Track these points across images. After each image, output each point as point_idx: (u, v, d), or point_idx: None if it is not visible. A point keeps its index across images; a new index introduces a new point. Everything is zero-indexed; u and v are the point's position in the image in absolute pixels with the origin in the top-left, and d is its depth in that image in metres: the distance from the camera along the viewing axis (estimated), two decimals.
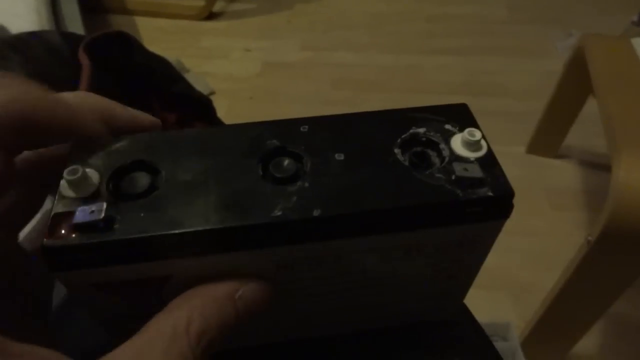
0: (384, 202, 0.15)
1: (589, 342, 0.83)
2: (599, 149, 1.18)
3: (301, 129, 0.17)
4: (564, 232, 1.01)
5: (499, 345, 0.70)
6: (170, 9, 1.64)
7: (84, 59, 0.63)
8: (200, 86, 1.37)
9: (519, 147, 1.19)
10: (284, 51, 1.52)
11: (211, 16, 1.63)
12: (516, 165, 1.16)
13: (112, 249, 0.14)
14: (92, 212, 0.14)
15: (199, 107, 0.84)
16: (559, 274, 0.69)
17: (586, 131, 1.10)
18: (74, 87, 0.64)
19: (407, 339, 0.24)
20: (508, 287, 0.93)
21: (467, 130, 0.17)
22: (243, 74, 1.44)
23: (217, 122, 0.82)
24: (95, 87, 0.62)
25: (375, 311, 0.21)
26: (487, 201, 0.16)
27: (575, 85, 0.96)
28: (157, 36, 1.57)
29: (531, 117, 1.15)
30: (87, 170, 0.15)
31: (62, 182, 0.15)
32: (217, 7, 1.65)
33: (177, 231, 0.14)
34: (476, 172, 0.16)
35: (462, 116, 0.18)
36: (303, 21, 1.65)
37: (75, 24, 0.93)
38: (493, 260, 0.96)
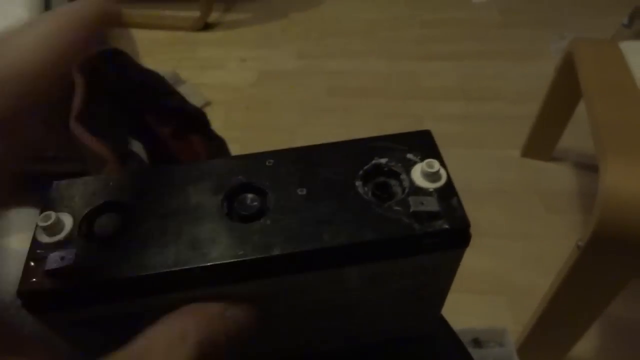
0: (342, 238, 0.16)
1: (586, 346, 0.83)
2: (593, 150, 1.18)
3: (267, 163, 0.18)
4: (560, 234, 1.01)
5: (495, 351, 0.71)
6: (166, 20, 1.66)
7: (78, 78, 0.64)
8: (196, 97, 1.38)
9: (513, 151, 1.20)
10: (279, 60, 1.53)
11: (207, 27, 1.65)
12: (511, 169, 1.16)
13: (83, 292, 0.15)
14: (63, 258, 0.15)
15: (193, 119, 0.85)
16: (554, 278, 0.69)
17: (580, 133, 1.10)
18: (68, 105, 0.65)
19: (385, 354, 0.25)
20: (504, 291, 0.93)
21: (426, 161, 0.17)
22: (239, 84, 1.45)
23: (212, 134, 0.83)
24: (90, 104, 0.64)
25: (354, 330, 0.22)
26: (444, 233, 0.16)
27: (567, 89, 0.97)
28: (154, 48, 1.58)
29: (526, 120, 1.15)
30: (60, 214, 0.16)
31: (37, 228, 0.16)
32: (212, 18, 1.66)
33: (143, 273, 0.15)
34: (432, 205, 0.16)
35: (424, 144, 0.18)
36: (298, 30, 1.66)
37: None
38: (489, 264, 0.96)
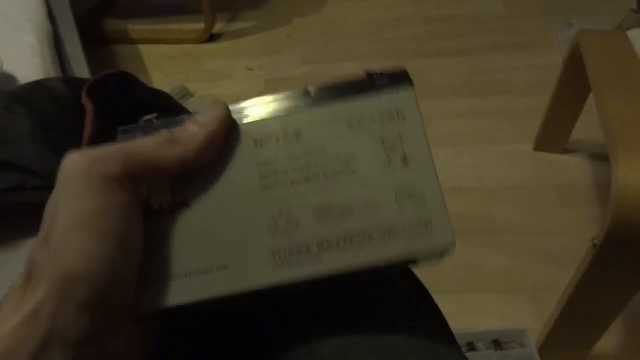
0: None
1: (609, 342, 0.82)
2: None
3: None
4: (578, 228, 1.00)
5: (515, 352, 0.70)
6: (171, 34, 1.67)
7: (87, 103, 0.65)
8: None
9: (526, 145, 1.19)
10: (285, 66, 1.54)
11: (212, 38, 1.66)
12: (524, 164, 1.15)
13: None
14: None
15: None
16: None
17: (593, 123, 1.07)
18: (80, 131, 0.66)
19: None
20: (524, 289, 0.92)
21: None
22: (246, 93, 1.46)
23: None
24: (100, 130, 0.65)
25: (353, 229, 0.22)
26: (385, 74, 0.24)
27: (576, 80, 0.95)
28: (161, 63, 1.60)
29: (537, 112, 1.14)
30: None
31: None
32: (216, 29, 1.67)
33: None
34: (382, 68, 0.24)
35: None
36: (302, 35, 1.66)
37: (79, 63, 0.96)
38: (507, 262, 0.96)
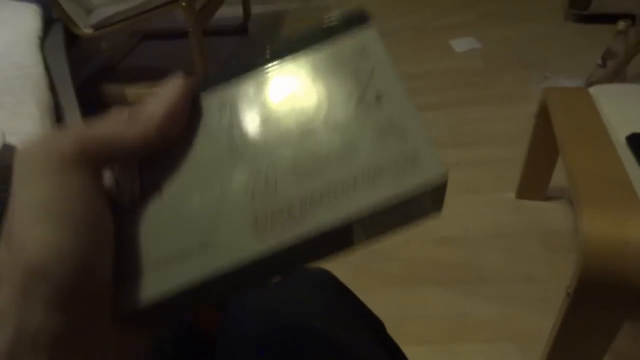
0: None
1: None
2: None
3: None
4: (561, 274, 1.02)
5: None
6: None
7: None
8: None
9: (508, 193, 1.23)
10: None
11: None
12: (507, 212, 1.19)
13: None
14: None
15: None
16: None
17: None
18: None
19: None
20: (514, 337, 0.94)
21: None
22: None
23: None
24: None
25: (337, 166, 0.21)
26: (342, 17, 0.23)
27: (548, 132, 1.01)
28: None
29: (518, 162, 1.19)
30: None
31: None
32: None
33: None
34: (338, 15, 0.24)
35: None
36: None
37: None
38: (494, 311, 0.98)
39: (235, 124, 0.22)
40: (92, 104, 1.67)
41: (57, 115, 1.07)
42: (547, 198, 1.20)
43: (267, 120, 0.22)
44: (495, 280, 1.04)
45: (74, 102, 1.12)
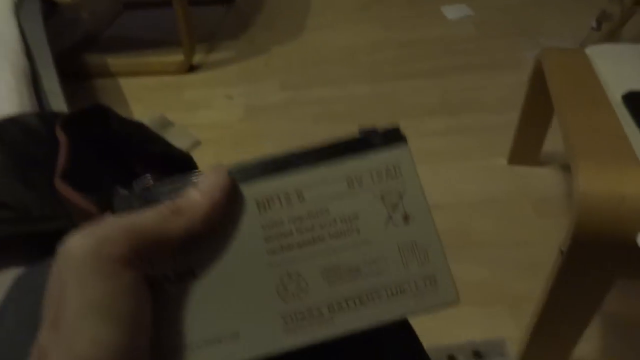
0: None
1: (588, 347, 0.83)
2: None
3: None
4: (553, 239, 1.02)
5: None
6: (151, 66, 1.70)
7: (61, 136, 0.66)
8: (186, 138, 1.42)
9: (500, 159, 1.22)
10: (264, 94, 1.57)
11: (192, 69, 1.69)
12: (499, 178, 1.18)
13: None
14: None
15: (179, 163, 0.87)
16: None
17: None
18: (54, 164, 0.67)
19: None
20: (503, 300, 0.94)
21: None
22: (227, 121, 1.48)
23: None
24: (75, 160, 0.66)
25: (359, 287, 0.23)
26: (383, 133, 0.24)
27: (541, 96, 0.99)
28: (142, 95, 1.62)
29: (509, 128, 1.17)
30: None
31: None
32: (196, 59, 1.71)
33: None
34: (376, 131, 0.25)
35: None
36: (280, 62, 1.70)
37: (57, 99, 0.97)
38: (485, 275, 0.97)
39: (272, 225, 0.23)
40: (74, 74, 1.61)
41: (35, 83, 1.03)
42: (540, 164, 1.19)
43: (303, 224, 0.23)
44: (487, 245, 1.04)
45: (52, 70, 1.08)
